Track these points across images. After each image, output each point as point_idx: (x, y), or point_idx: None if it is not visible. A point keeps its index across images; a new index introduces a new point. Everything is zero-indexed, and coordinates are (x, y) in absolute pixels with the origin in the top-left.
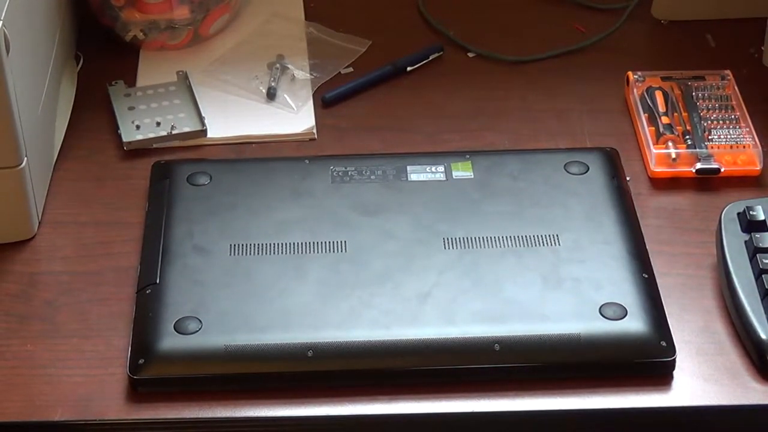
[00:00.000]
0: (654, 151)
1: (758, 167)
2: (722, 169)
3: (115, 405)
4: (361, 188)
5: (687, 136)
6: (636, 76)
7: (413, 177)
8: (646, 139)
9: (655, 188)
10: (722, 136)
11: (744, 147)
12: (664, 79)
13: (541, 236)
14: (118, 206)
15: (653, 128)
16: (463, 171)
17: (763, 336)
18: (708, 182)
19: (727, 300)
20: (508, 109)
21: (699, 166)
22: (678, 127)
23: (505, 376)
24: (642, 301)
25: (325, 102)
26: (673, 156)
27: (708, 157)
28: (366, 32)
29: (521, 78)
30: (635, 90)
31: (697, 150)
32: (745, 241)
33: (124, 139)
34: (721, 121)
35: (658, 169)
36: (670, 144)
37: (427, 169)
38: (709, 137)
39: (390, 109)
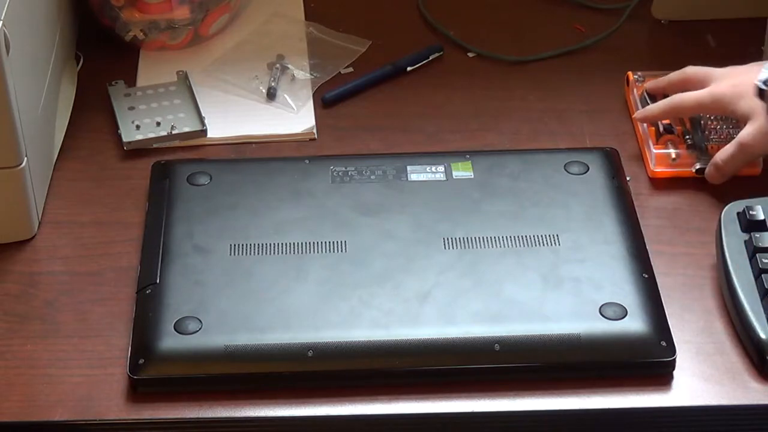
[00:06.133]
0: (654, 151)
1: (758, 167)
2: None
3: (115, 405)
4: (361, 188)
5: (687, 136)
6: (636, 76)
7: (413, 177)
8: (646, 139)
9: (655, 188)
10: (722, 136)
11: None
12: None
13: (541, 236)
14: (118, 206)
15: (653, 128)
16: (463, 171)
17: (763, 336)
18: (708, 182)
19: (727, 300)
20: (508, 109)
21: (699, 166)
22: (678, 127)
23: (505, 376)
24: (642, 301)
25: (325, 102)
26: (673, 156)
27: (708, 157)
28: (366, 32)
29: (521, 78)
30: (635, 90)
31: (697, 150)
32: (745, 241)
33: (124, 139)
34: (721, 121)
35: (658, 169)
36: (670, 144)
37: (427, 169)
38: (709, 137)
39: (390, 109)
